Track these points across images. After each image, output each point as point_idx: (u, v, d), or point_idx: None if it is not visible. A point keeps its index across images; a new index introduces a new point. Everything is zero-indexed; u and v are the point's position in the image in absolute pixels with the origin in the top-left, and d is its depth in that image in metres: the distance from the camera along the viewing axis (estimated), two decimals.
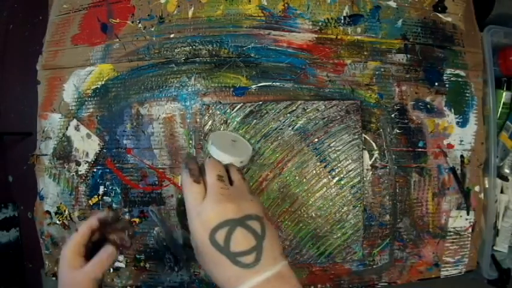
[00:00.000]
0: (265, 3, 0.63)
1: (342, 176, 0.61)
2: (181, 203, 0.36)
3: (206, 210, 0.33)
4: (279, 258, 0.33)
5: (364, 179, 0.62)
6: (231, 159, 0.42)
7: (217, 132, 0.45)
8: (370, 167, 0.63)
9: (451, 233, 0.65)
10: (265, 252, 0.32)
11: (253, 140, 0.61)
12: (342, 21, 0.63)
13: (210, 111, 0.61)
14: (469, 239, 0.66)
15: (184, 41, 0.63)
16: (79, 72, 0.65)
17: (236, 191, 0.35)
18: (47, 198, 0.67)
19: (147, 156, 0.63)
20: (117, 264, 0.65)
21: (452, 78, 0.65)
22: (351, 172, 0.61)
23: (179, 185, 0.63)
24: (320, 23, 0.63)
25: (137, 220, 0.64)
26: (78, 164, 0.65)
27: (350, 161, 0.61)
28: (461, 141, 0.65)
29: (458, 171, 0.65)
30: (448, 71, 0.65)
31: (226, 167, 0.39)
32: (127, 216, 0.64)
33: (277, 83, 0.62)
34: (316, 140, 0.61)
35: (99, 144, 0.64)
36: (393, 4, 0.64)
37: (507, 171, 0.68)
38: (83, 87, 0.65)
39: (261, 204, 0.36)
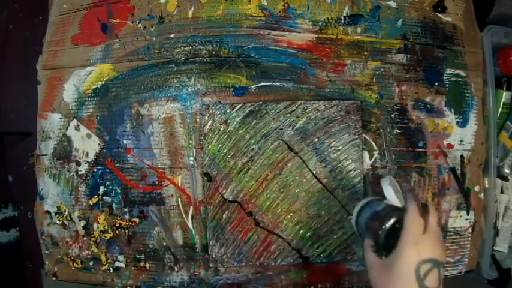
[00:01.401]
0: (265, 3, 0.63)
1: (342, 176, 0.61)
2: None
3: (425, 243, 0.39)
4: None
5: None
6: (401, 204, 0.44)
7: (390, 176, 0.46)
8: (370, 167, 0.63)
9: (451, 233, 0.65)
10: None
11: (253, 140, 0.61)
12: (342, 21, 0.63)
13: (210, 111, 0.61)
14: (469, 239, 0.66)
15: (184, 41, 0.63)
16: (79, 72, 0.65)
17: (441, 239, 0.41)
18: (47, 198, 0.67)
19: (147, 156, 0.63)
20: (117, 264, 0.65)
21: (452, 78, 0.65)
22: (351, 172, 0.61)
23: (179, 185, 0.63)
24: (320, 23, 0.63)
25: (137, 220, 0.64)
26: (78, 164, 0.65)
27: (350, 161, 0.61)
28: (461, 141, 0.65)
29: (458, 171, 0.65)
30: (448, 71, 0.65)
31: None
32: (127, 216, 0.64)
33: (277, 83, 0.62)
34: (316, 140, 0.61)
35: (99, 144, 0.64)
36: (393, 4, 0.64)
37: (507, 171, 0.68)
38: (83, 87, 0.65)
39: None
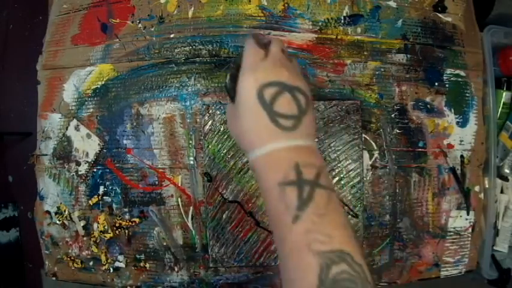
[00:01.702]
0: (265, 3, 0.63)
1: (342, 176, 0.61)
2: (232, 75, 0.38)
3: (263, 68, 0.34)
4: (312, 137, 0.34)
5: (364, 179, 0.62)
6: None
7: None
8: (370, 167, 0.63)
9: (451, 233, 0.65)
10: (302, 126, 0.32)
11: None
12: (342, 21, 0.63)
13: (210, 111, 0.61)
14: (469, 239, 0.66)
15: (184, 41, 0.63)
16: (79, 72, 0.65)
17: (290, 63, 0.36)
18: (47, 198, 0.67)
19: (147, 156, 0.63)
20: (117, 264, 0.65)
21: (452, 78, 0.65)
22: (351, 172, 0.61)
23: (179, 185, 0.63)
24: (320, 23, 0.63)
25: (137, 220, 0.64)
26: (78, 164, 0.65)
27: (350, 161, 0.61)
28: (461, 141, 0.65)
29: (458, 171, 0.65)
30: (448, 71, 0.65)
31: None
32: (127, 216, 0.64)
33: None
34: (316, 140, 0.61)
35: (99, 144, 0.64)
36: (393, 4, 0.64)
37: (507, 171, 0.68)
38: (83, 87, 0.65)
39: (309, 88, 0.36)
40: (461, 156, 0.65)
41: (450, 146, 0.65)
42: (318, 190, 0.30)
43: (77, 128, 0.65)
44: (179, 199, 0.63)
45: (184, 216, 0.63)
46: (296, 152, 0.32)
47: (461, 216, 0.65)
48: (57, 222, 0.66)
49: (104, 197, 0.64)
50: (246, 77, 0.34)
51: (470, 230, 0.66)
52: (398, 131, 0.64)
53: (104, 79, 0.64)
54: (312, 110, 0.34)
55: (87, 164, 0.65)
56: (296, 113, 0.32)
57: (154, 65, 0.63)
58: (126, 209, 0.64)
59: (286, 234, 0.30)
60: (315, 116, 0.34)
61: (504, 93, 0.69)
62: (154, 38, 0.64)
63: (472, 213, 0.65)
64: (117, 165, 0.64)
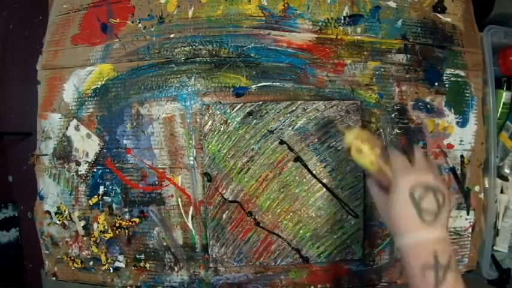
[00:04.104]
0: (265, 3, 0.63)
1: (342, 176, 0.61)
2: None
3: (415, 171, 0.43)
4: (445, 228, 0.42)
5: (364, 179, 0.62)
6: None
7: None
8: None
9: (451, 233, 0.65)
10: (440, 219, 0.41)
11: (253, 140, 0.61)
12: (342, 21, 0.63)
13: (210, 111, 0.61)
14: (469, 239, 0.66)
15: (184, 41, 0.63)
16: (79, 72, 0.65)
17: (434, 168, 0.45)
18: (47, 198, 0.67)
19: (147, 156, 0.63)
20: (117, 264, 0.65)
21: (452, 78, 0.65)
22: (351, 172, 0.61)
23: (179, 185, 0.63)
24: (320, 23, 0.63)
25: (137, 220, 0.64)
26: (78, 164, 0.65)
27: (350, 161, 0.61)
28: (461, 141, 0.65)
29: (458, 171, 0.65)
30: (448, 71, 0.65)
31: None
32: (127, 216, 0.64)
33: (277, 83, 0.62)
34: (316, 140, 0.61)
35: (99, 144, 0.64)
36: (393, 4, 0.64)
37: (507, 171, 0.68)
38: (83, 87, 0.65)
39: (446, 185, 0.47)
40: (461, 156, 0.65)
41: (450, 146, 0.65)
42: (449, 272, 0.39)
43: (77, 128, 0.65)
44: (179, 199, 0.63)
45: (184, 216, 0.63)
46: (436, 242, 0.41)
47: (461, 216, 0.65)
48: (57, 222, 0.66)
49: (104, 197, 0.64)
50: (401, 178, 0.43)
51: (470, 230, 0.66)
52: (398, 131, 0.64)
53: (104, 79, 0.64)
54: (448, 205, 0.43)
55: (87, 164, 0.65)
56: (436, 209, 0.41)
57: (154, 65, 0.63)
58: (126, 209, 0.64)
59: None
60: (450, 209, 0.47)
61: (504, 93, 0.69)
62: (154, 38, 0.64)
63: (472, 213, 0.65)
64: (117, 165, 0.64)
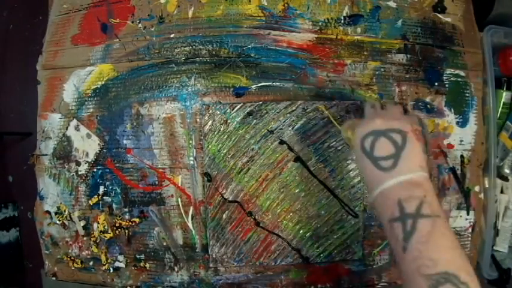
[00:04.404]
0: (265, 3, 0.63)
1: (342, 176, 0.61)
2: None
3: (361, 124, 0.42)
4: (414, 169, 0.38)
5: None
6: None
7: None
8: None
9: None
10: (402, 161, 0.37)
11: (253, 140, 0.61)
12: (342, 21, 0.63)
13: (210, 111, 0.61)
14: (469, 239, 0.66)
15: (184, 41, 0.63)
16: (79, 72, 0.65)
17: (386, 112, 0.44)
18: (47, 198, 0.67)
19: (147, 156, 0.63)
20: (117, 264, 0.65)
21: (452, 78, 0.65)
22: (350, 172, 0.61)
23: (179, 185, 0.63)
24: (320, 23, 0.63)
25: (137, 220, 0.64)
26: (78, 164, 0.65)
27: (350, 161, 0.61)
28: (461, 141, 0.65)
29: (458, 171, 0.65)
30: (448, 71, 0.65)
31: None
32: (127, 216, 0.64)
33: (277, 83, 0.62)
34: (316, 140, 0.61)
35: (99, 144, 0.64)
36: (393, 4, 0.64)
37: (507, 171, 0.68)
38: (83, 87, 0.65)
39: (414, 124, 0.42)
40: (461, 156, 0.65)
41: (450, 146, 0.65)
42: (420, 220, 0.34)
43: (77, 128, 0.65)
44: (179, 199, 0.63)
45: (184, 216, 0.63)
46: (398, 188, 0.37)
47: (461, 216, 0.65)
48: (57, 222, 0.66)
49: (104, 197, 0.64)
50: (354, 136, 0.42)
51: (470, 230, 0.66)
52: None
53: (104, 79, 0.64)
54: (413, 143, 0.38)
55: (87, 164, 0.65)
56: (393, 151, 0.38)
57: (154, 65, 0.63)
58: (126, 209, 0.64)
59: (400, 263, 0.35)
60: (420, 148, 0.39)
61: (504, 93, 0.69)
62: (154, 38, 0.64)
63: (472, 213, 0.65)
64: (117, 165, 0.64)
